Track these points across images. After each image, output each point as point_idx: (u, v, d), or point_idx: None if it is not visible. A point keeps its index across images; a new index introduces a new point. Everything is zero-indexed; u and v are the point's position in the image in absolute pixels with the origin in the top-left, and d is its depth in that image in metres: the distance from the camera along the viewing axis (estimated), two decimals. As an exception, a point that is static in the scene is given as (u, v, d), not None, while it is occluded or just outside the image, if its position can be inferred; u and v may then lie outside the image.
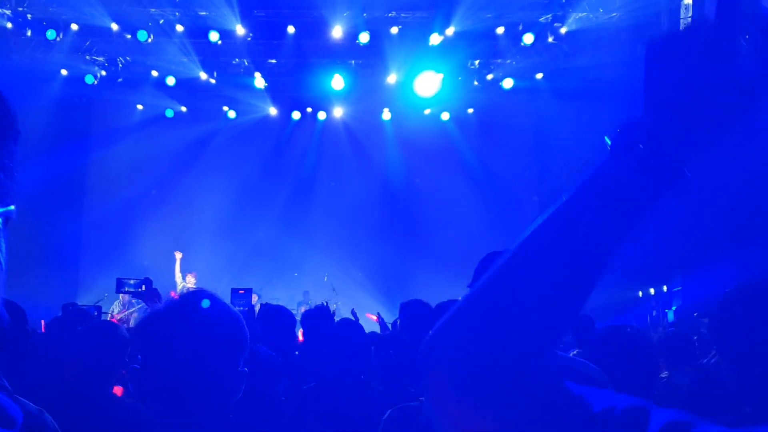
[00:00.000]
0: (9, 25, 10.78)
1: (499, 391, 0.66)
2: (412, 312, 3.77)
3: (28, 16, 10.92)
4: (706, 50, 0.64)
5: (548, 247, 0.69)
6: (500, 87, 12.12)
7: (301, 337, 4.29)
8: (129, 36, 11.15)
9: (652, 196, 0.66)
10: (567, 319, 0.70)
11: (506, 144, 12.86)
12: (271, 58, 12.05)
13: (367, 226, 12.76)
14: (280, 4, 10.83)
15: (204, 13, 10.86)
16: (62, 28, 11.17)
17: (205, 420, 1.33)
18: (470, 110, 13.12)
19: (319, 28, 11.06)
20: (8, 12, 10.67)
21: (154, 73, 12.28)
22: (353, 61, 12.07)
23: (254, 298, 7.03)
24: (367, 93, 12.41)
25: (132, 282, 3.79)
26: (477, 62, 12.23)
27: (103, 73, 12.50)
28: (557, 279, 0.67)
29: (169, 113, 13.22)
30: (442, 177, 12.88)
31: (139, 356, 1.35)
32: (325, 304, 4.70)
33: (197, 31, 11.24)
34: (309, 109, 13.34)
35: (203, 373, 1.29)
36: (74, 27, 11.12)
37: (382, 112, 13.17)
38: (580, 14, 10.51)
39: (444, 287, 6.70)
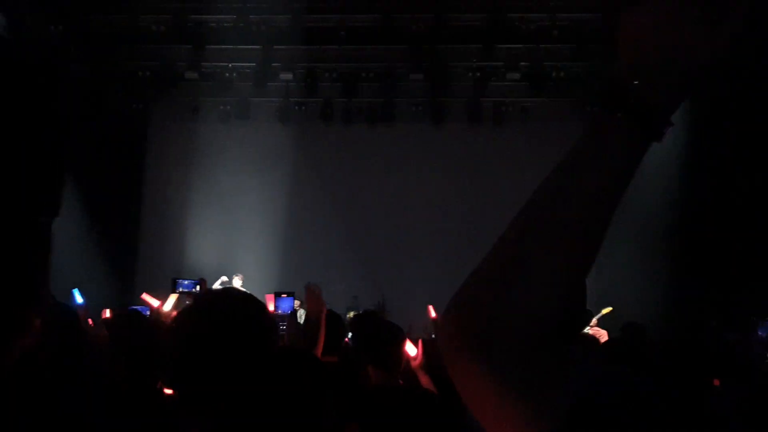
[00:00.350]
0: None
1: (507, 352, 0.70)
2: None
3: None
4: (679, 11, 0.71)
5: (553, 200, 0.73)
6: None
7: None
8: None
9: (644, 142, 0.72)
10: (576, 275, 0.73)
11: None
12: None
13: (426, 232, 12.75)
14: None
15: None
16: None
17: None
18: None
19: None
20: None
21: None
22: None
23: (296, 303, 7.14)
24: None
25: (186, 282, 3.86)
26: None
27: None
28: (563, 233, 0.71)
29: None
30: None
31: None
32: (378, 307, 4.72)
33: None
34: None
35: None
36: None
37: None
38: None
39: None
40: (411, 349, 3.75)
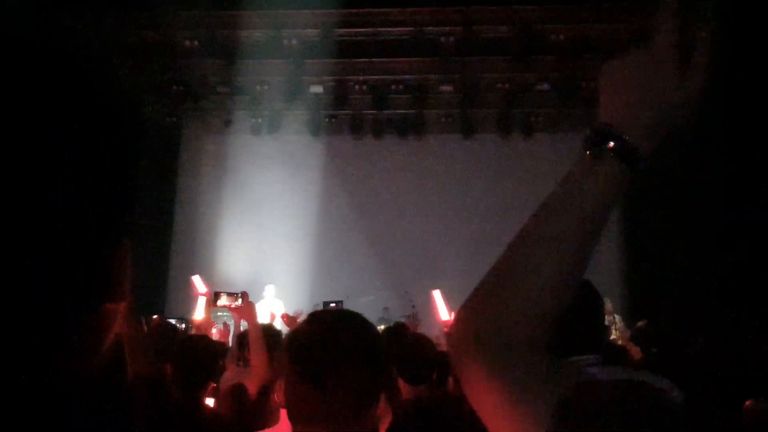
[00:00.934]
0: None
1: (508, 355, 0.80)
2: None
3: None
4: (654, 68, 0.83)
5: (548, 218, 0.85)
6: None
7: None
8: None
9: (626, 179, 0.84)
10: (567, 282, 0.84)
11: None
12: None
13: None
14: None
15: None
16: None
17: None
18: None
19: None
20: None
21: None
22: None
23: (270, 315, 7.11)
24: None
25: (227, 296, 3.91)
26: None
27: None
28: (556, 244, 0.82)
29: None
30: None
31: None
32: (409, 318, 4.72)
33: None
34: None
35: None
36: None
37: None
38: None
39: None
40: (444, 313, 3.83)
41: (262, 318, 9.48)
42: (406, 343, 3.42)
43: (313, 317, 1.55)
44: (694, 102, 0.83)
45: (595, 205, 0.83)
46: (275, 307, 10.60)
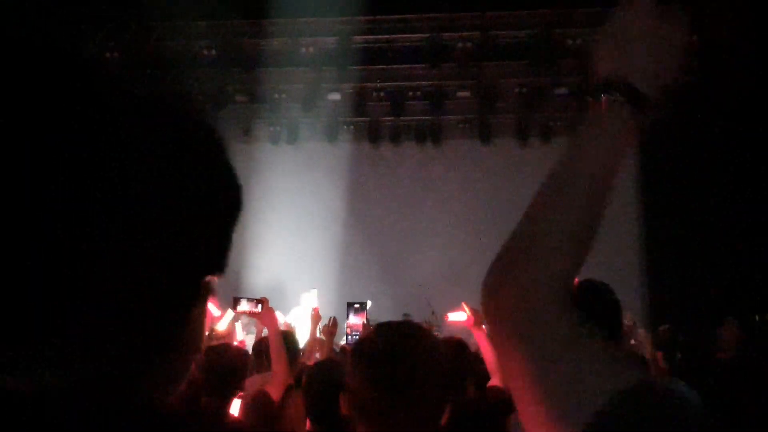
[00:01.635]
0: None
1: (531, 315, 0.78)
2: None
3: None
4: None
5: (565, 171, 0.88)
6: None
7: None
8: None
9: (638, 124, 0.86)
10: (586, 233, 0.83)
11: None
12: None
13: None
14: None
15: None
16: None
17: None
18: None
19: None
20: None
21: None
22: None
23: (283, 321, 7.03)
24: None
25: (247, 301, 3.93)
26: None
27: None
28: (574, 195, 0.84)
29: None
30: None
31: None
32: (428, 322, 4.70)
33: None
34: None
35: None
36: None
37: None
38: None
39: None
40: (459, 315, 3.86)
41: (305, 321, 9.46)
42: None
43: (385, 327, 1.56)
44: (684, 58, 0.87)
45: (609, 150, 0.86)
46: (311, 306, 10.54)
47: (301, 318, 9.71)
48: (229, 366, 2.99)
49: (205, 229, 0.63)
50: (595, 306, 1.93)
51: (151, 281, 0.57)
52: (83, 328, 0.54)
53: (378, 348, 1.49)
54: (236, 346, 3.77)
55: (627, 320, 8.60)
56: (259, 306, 3.82)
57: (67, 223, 0.52)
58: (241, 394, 3.36)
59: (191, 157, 0.62)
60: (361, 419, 1.45)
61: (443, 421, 1.49)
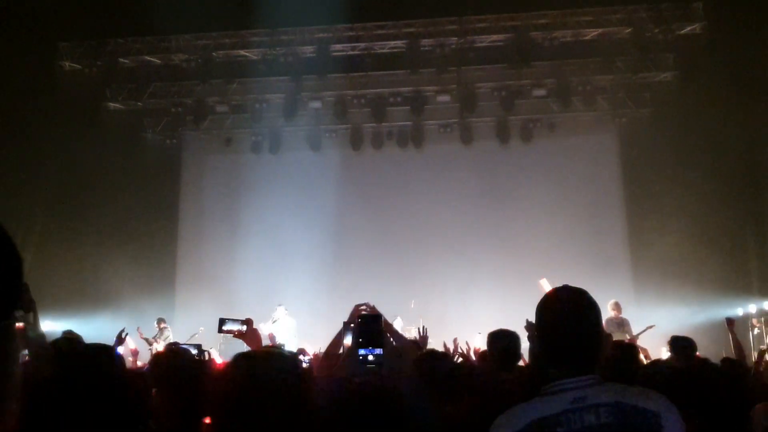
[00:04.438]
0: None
1: None
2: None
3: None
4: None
5: None
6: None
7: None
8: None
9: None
10: None
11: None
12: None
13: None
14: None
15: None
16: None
17: None
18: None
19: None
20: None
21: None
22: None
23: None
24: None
25: (231, 321, 3.96)
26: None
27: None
28: None
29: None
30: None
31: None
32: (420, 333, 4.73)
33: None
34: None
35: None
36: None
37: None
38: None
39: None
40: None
41: (283, 337, 9.51)
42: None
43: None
44: None
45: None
46: (289, 325, 10.63)
47: (279, 332, 9.77)
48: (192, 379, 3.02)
49: None
50: (566, 320, 1.85)
51: None
52: None
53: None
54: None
55: (616, 310, 8.74)
56: (244, 326, 3.86)
57: None
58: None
59: None
60: None
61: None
